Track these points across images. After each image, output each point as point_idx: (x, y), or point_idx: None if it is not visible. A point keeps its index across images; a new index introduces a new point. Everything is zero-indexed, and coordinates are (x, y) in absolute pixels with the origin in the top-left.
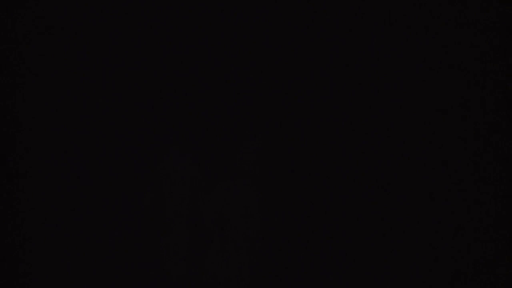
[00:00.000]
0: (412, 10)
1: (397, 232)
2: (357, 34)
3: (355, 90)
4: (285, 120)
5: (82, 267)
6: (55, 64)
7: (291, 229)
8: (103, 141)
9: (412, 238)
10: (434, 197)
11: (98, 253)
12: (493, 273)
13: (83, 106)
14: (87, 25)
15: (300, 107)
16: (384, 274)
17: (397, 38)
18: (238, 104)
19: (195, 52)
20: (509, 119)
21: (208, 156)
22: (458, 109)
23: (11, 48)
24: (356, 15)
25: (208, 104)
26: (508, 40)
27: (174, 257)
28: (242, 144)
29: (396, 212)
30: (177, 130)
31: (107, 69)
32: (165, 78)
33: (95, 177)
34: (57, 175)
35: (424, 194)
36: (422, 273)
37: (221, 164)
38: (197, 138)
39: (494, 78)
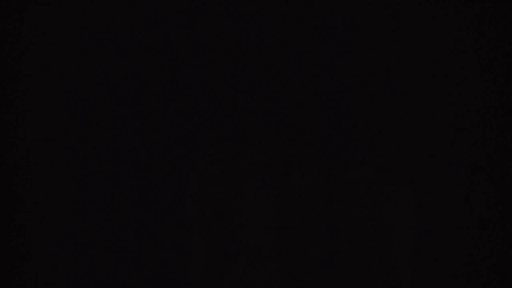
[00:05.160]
0: (412, 10)
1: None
2: (363, 39)
3: (369, 95)
4: (300, 125)
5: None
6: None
7: (307, 231)
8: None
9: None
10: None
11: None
12: (493, 274)
13: (106, 118)
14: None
15: (315, 111)
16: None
17: (397, 38)
18: (255, 111)
19: (220, 63)
20: (509, 119)
21: (225, 160)
22: (457, 108)
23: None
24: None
25: (226, 111)
26: (508, 40)
27: (193, 262)
28: (258, 148)
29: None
30: (196, 136)
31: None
32: (188, 88)
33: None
34: (61, 175)
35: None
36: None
37: (237, 168)
38: (215, 143)
39: (494, 78)
